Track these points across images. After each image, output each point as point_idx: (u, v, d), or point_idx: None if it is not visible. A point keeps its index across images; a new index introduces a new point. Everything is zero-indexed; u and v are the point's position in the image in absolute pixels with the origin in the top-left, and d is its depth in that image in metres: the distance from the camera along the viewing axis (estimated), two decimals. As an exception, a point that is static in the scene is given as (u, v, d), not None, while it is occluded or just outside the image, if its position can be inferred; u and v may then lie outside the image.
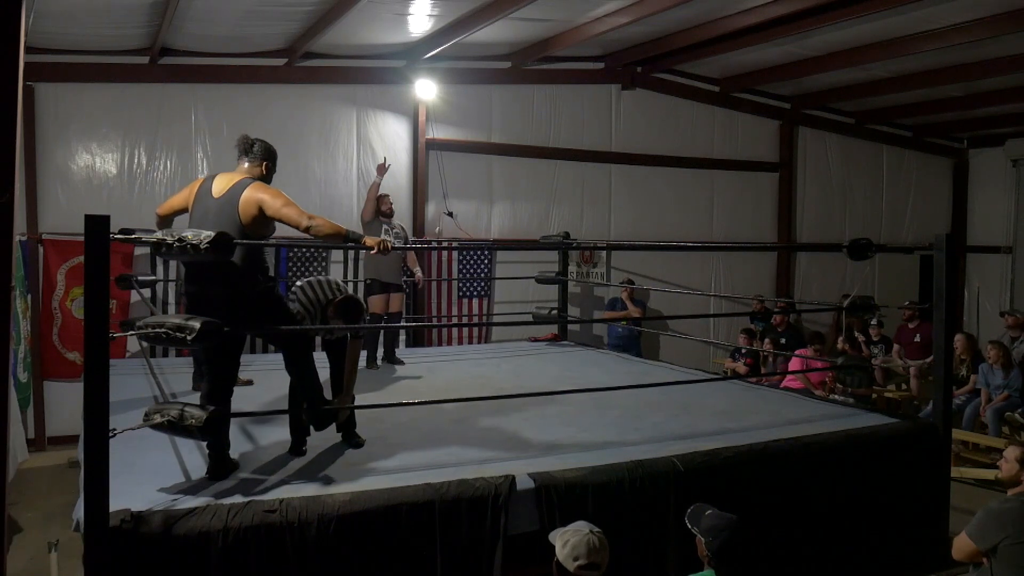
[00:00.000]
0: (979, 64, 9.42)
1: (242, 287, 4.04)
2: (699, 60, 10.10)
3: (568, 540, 2.99)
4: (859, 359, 8.92)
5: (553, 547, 3.06)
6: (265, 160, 4.30)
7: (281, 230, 4.36)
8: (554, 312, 9.06)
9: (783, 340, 9.68)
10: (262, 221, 4.05)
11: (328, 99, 9.22)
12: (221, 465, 4.06)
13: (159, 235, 3.70)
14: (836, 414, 5.84)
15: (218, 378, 4.11)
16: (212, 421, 3.71)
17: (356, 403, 5.10)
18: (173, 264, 8.07)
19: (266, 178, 4.28)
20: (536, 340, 9.31)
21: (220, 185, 4.13)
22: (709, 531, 3.22)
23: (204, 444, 4.15)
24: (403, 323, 5.96)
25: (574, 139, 10.59)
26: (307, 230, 4.02)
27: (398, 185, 9.61)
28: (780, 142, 12.06)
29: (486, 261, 10.02)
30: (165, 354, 7.91)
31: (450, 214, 9.71)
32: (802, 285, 12.28)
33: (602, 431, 5.15)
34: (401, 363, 7.42)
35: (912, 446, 5.27)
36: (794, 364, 8.82)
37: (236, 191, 4.05)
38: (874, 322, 9.92)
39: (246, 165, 4.25)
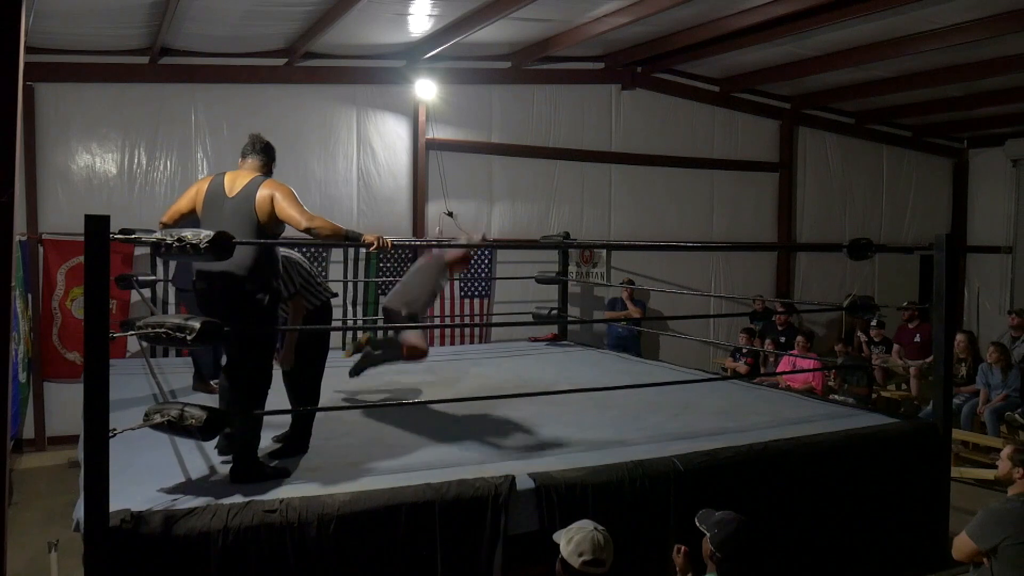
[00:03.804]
0: (979, 64, 9.42)
1: (250, 286, 4.02)
2: (699, 60, 10.10)
3: (573, 537, 3.00)
4: (858, 358, 8.95)
5: (555, 548, 3.06)
6: (272, 160, 4.31)
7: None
8: (554, 312, 9.06)
9: (783, 340, 9.69)
10: (277, 218, 4.03)
11: (328, 99, 9.23)
12: (249, 468, 4.02)
13: (159, 235, 3.70)
14: (836, 414, 5.84)
15: (248, 378, 4.10)
16: (213, 422, 3.71)
17: (355, 404, 5.11)
18: (173, 264, 8.06)
19: (270, 175, 4.27)
20: (536, 340, 9.31)
21: (232, 184, 4.09)
22: (715, 525, 3.23)
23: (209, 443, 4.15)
24: (402, 323, 5.88)
25: (574, 139, 10.59)
26: (307, 231, 4.01)
27: (398, 185, 9.62)
28: (780, 142, 12.06)
29: (487, 261, 10.02)
30: (165, 354, 7.91)
31: (450, 214, 9.71)
32: (802, 285, 12.28)
33: (602, 431, 5.15)
34: None
35: (912, 446, 5.27)
36: (784, 363, 8.87)
37: (251, 188, 4.03)
38: (874, 323, 9.91)
39: (253, 161, 4.22)
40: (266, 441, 4.68)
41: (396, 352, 5.42)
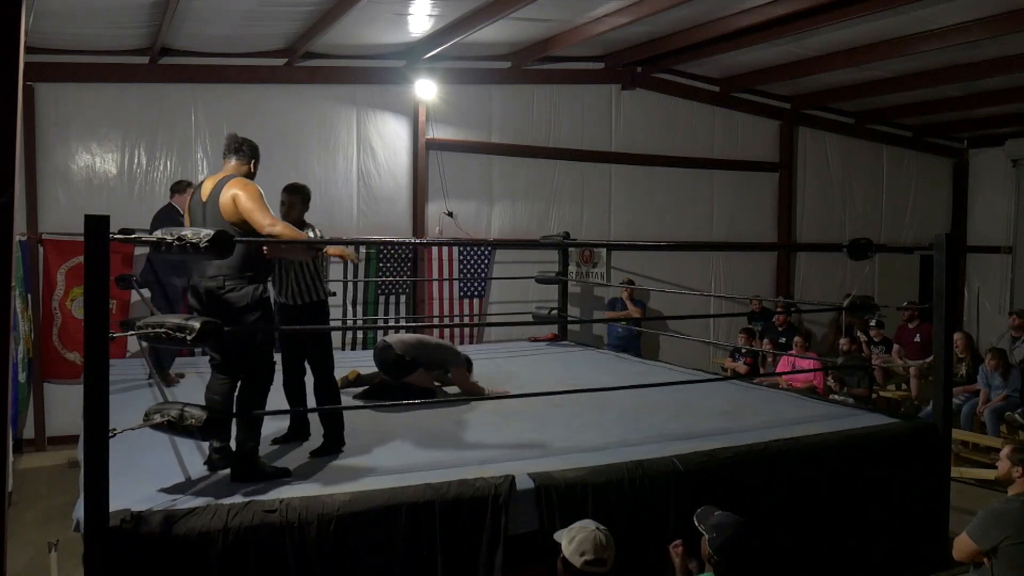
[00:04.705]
0: (979, 64, 9.42)
1: (242, 285, 4.03)
2: (699, 60, 10.10)
3: (575, 537, 3.00)
4: (858, 358, 8.95)
5: (556, 547, 3.06)
6: (253, 158, 4.32)
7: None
8: (554, 312, 9.07)
9: (783, 340, 9.69)
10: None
11: (328, 99, 9.22)
12: (250, 468, 4.03)
13: (159, 234, 3.69)
14: (836, 414, 5.84)
15: (250, 377, 4.12)
16: (213, 422, 3.72)
17: (354, 404, 5.11)
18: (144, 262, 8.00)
19: (252, 175, 4.28)
20: (536, 340, 9.31)
21: (206, 188, 4.15)
22: (713, 528, 3.22)
23: (210, 442, 4.15)
24: (403, 323, 5.98)
25: (574, 139, 10.59)
26: (267, 236, 4.04)
27: (398, 185, 9.62)
28: (780, 142, 12.06)
29: (486, 261, 10.03)
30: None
31: (450, 214, 9.71)
32: (802, 285, 12.28)
33: (602, 431, 5.15)
34: None
35: (912, 446, 5.27)
36: (783, 363, 8.87)
37: (217, 190, 4.08)
38: (874, 323, 9.91)
39: (233, 163, 4.25)
40: (267, 440, 4.69)
41: (406, 393, 5.84)
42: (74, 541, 3.62)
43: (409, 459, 4.46)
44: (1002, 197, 12.95)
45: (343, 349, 9.08)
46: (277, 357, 4.35)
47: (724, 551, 3.16)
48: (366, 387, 6.17)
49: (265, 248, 4.19)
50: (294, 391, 4.86)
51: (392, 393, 5.92)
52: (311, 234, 4.83)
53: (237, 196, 4.00)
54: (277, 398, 4.57)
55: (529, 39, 9.12)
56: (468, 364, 6.34)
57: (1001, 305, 12.52)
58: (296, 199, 4.86)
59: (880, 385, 9.49)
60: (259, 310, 4.11)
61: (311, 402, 4.83)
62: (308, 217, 5.00)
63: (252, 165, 4.31)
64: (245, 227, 4.03)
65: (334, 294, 8.35)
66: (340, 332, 9.24)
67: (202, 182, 4.24)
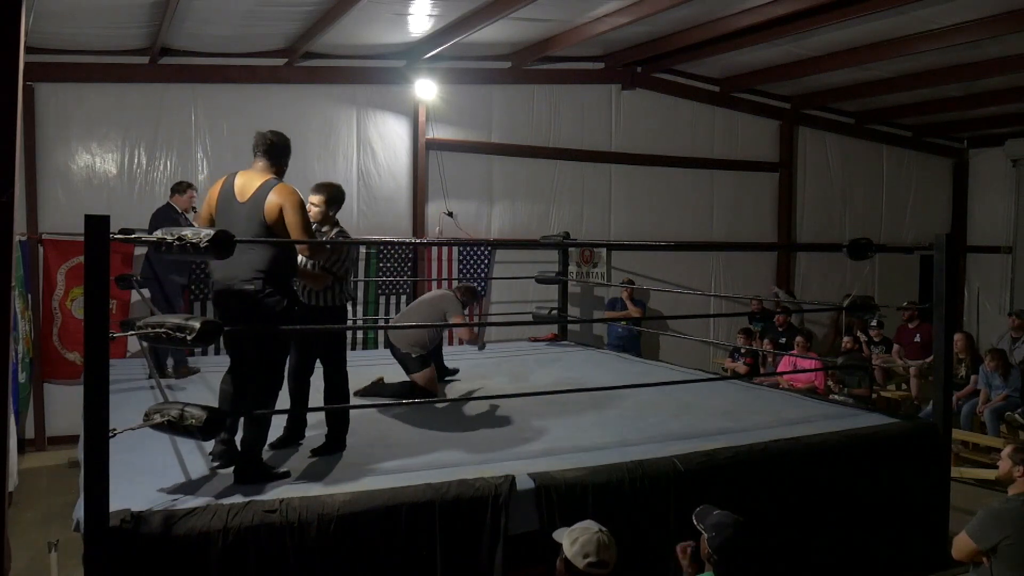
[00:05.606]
0: (979, 64, 9.43)
1: (265, 287, 4.03)
2: (699, 60, 10.10)
3: (577, 538, 2.99)
4: (859, 358, 8.95)
5: (556, 546, 3.06)
6: (281, 156, 4.31)
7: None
8: (554, 312, 9.07)
9: (783, 340, 9.68)
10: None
11: (328, 99, 9.22)
12: (255, 469, 4.04)
13: (159, 234, 3.69)
14: (836, 414, 5.84)
15: (263, 379, 4.13)
16: (213, 422, 3.72)
17: (355, 403, 5.11)
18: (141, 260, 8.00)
19: (283, 172, 4.29)
20: (536, 340, 9.31)
21: (243, 188, 4.11)
22: (713, 527, 3.22)
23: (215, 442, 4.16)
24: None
25: (574, 139, 10.59)
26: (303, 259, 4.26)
27: (398, 185, 9.62)
28: (780, 142, 12.06)
29: (486, 261, 10.03)
30: (165, 354, 7.90)
31: (450, 214, 9.71)
32: (802, 285, 12.28)
33: (602, 431, 5.15)
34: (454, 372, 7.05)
35: (912, 446, 5.27)
36: (785, 363, 8.86)
37: (261, 195, 4.04)
38: (874, 323, 9.91)
39: (264, 163, 4.22)
40: (268, 440, 4.69)
41: (409, 392, 5.91)
42: (74, 541, 3.62)
43: (409, 459, 4.46)
44: (1002, 197, 12.95)
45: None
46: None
47: (724, 550, 3.16)
48: (363, 387, 6.17)
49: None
50: (298, 393, 4.85)
51: (392, 393, 5.93)
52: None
53: (285, 209, 4.02)
54: (282, 399, 4.57)
55: (529, 39, 9.12)
56: (470, 296, 6.47)
57: (1001, 305, 12.52)
58: (317, 199, 4.87)
59: (880, 385, 9.49)
60: (290, 314, 4.14)
61: (313, 404, 4.84)
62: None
63: (280, 165, 4.31)
64: (283, 232, 4.05)
65: (352, 298, 8.35)
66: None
67: (232, 178, 4.19)
